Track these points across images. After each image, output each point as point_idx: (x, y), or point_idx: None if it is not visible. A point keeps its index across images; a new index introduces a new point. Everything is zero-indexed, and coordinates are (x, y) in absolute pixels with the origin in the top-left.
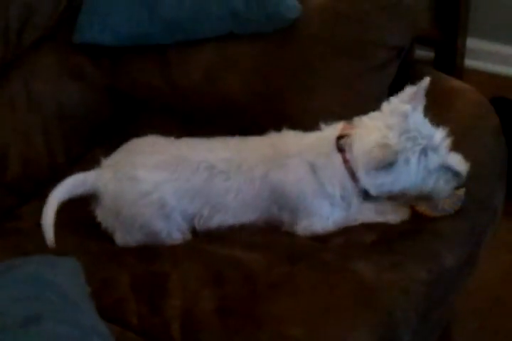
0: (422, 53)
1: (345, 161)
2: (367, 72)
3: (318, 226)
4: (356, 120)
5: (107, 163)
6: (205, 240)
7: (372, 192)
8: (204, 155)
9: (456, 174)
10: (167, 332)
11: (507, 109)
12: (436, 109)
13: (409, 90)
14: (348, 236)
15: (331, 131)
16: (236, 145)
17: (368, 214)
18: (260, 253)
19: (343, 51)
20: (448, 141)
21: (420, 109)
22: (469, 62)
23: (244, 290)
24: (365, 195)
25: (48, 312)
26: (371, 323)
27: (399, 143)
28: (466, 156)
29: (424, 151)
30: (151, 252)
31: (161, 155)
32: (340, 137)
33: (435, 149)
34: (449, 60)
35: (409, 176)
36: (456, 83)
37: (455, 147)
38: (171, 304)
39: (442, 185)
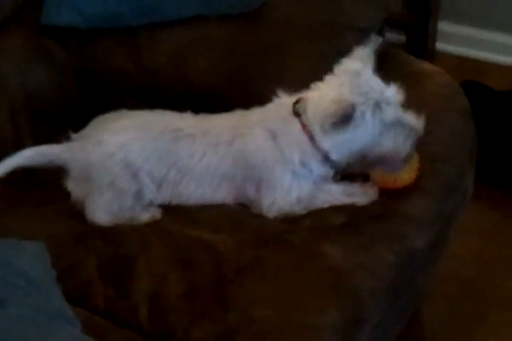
0: (394, 37)
1: (303, 125)
2: (335, 54)
3: (282, 201)
4: (312, 86)
5: (75, 136)
6: (174, 220)
7: (334, 155)
8: (172, 121)
9: (412, 130)
10: (134, 316)
11: (477, 92)
12: (406, 91)
13: (359, 51)
14: (317, 218)
15: (289, 99)
16: (204, 116)
17: (336, 195)
18: (229, 235)
19: (312, 33)
20: (400, 96)
21: (371, 67)
22: (440, 46)
23: (212, 273)
24: (325, 161)
25: (12, 296)
26: (339, 306)
27: (352, 97)
28: (436, 138)
29: (377, 104)
30: (119, 235)
31: (128, 120)
32: (296, 102)
33: (388, 103)
34: (420, 43)
35: (366, 131)
36: (426, 66)
37: (424, 129)
38: (139, 287)
39: (401, 142)
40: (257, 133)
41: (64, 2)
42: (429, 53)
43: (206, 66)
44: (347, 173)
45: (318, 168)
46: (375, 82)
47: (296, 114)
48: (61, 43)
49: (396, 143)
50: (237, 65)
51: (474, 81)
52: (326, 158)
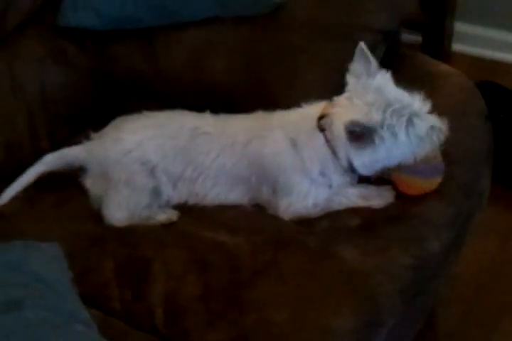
0: (410, 37)
1: (327, 141)
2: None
3: (298, 205)
4: (336, 99)
5: (95, 136)
6: (190, 221)
7: (365, 172)
8: (190, 119)
9: (440, 132)
10: (150, 318)
11: (494, 93)
12: (422, 93)
13: (354, 65)
14: (333, 221)
15: (313, 110)
16: (223, 116)
17: (353, 198)
18: (245, 237)
19: (329, 34)
20: (428, 105)
21: (377, 70)
22: (457, 46)
23: (228, 276)
24: (347, 173)
25: (28, 299)
26: (355, 308)
27: (384, 119)
28: (453, 141)
29: (410, 121)
30: (135, 236)
31: (146, 119)
32: (321, 117)
33: (419, 115)
34: (436, 44)
35: (401, 149)
36: (442, 67)
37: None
38: (155, 289)
39: (434, 148)
40: (277, 138)
41: (81, 4)
42: (445, 54)
43: (222, 68)
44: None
45: (339, 179)
46: (403, 97)
47: (321, 128)
48: (78, 45)
49: (430, 150)
50: (253, 67)
51: (491, 81)
52: (348, 171)
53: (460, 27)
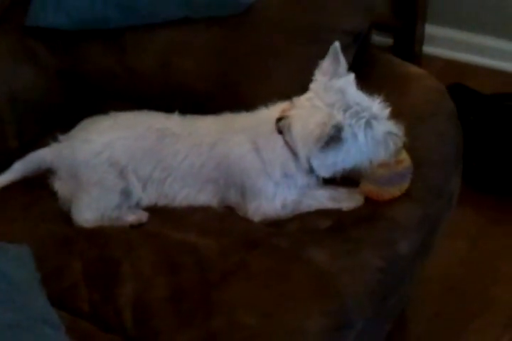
0: (381, 40)
1: (286, 142)
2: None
3: (267, 208)
4: (295, 100)
5: (62, 138)
6: (160, 222)
7: (324, 173)
8: (158, 120)
9: (398, 138)
10: (119, 320)
11: (464, 95)
12: (392, 95)
13: (325, 63)
14: (303, 222)
15: (273, 112)
16: (192, 117)
17: (322, 200)
18: (215, 238)
19: (299, 36)
20: (387, 110)
21: (345, 71)
22: (427, 49)
23: (197, 278)
24: (310, 173)
25: None
26: (325, 310)
27: (344, 119)
28: (422, 142)
29: (368, 123)
30: (104, 237)
31: (114, 120)
32: (279, 119)
33: (377, 119)
34: (407, 46)
35: (359, 150)
36: (412, 69)
37: (410, 133)
38: (124, 291)
39: (390, 153)
40: (240, 142)
41: (49, 4)
42: (415, 56)
43: (193, 68)
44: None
45: (303, 179)
46: (362, 100)
47: (279, 131)
48: (47, 45)
49: (387, 155)
50: (223, 68)
51: (461, 84)
52: (311, 171)
53: (431, 29)
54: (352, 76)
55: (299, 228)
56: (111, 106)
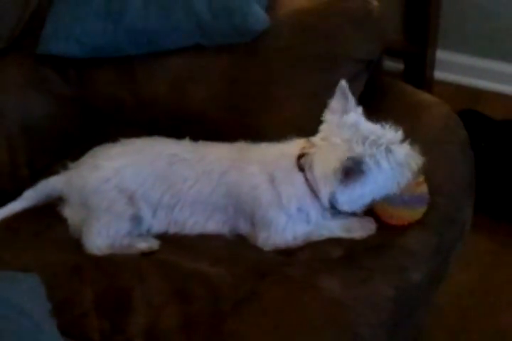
0: (392, 65)
1: (307, 180)
2: (335, 85)
3: (277, 239)
4: (312, 139)
5: (72, 165)
6: (171, 251)
7: (349, 208)
8: (168, 146)
9: (417, 159)
10: None
11: (475, 121)
12: (404, 123)
13: (333, 102)
14: (315, 251)
15: (292, 148)
16: (203, 143)
17: (335, 231)
18: (226, 267)
19: (311, 64)
20: (400, 133)
21: (353, 107)
22: (439, 74)
23: (209, 307)
24: (332, 209)
25: (5, 332)
26: (336, 340)
27: (365, 150)
28: (434, 171)
29: (388, 149)
30: (115, 265)
31: (124, 146)
32: (300, 156)
33: (394, 143)
34: (418, 71)
35: (386, 177)
36: (424, 96)
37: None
38: (135, 321)
39: (412, 174)
40: (255, 171)
41: (61, 32)
42: (427, 81)
43: (204, 96)
44: None
45: (318, 215)
46: (376, 129)
47: (301, 168)
48: (59, 72)
49: (411, 177)
50: (234, 95)
51: (472, 110)
52: (332, 208)
53: (442, 55)
54: (360, 109)
55: (311, 256)
56: (122, 133)
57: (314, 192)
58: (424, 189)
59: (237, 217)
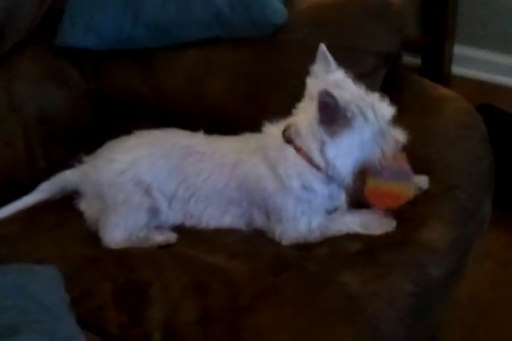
0: (409, 60)
1: (298, 149)
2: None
3: (292, 232)
4: (294, 110)
5: (87, 159)
6: (189, 244)
7: (338, 164)
8: (182, 138)
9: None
10: None
11: (493, 116)
12: (423, 118)
13: (315, 67)
14: (333, 245)
15: (278, 127)
16: (216, 137)
17: (353, 227)
18: (244, 261)
19: None
20: (392, 108)
21: (335, 70)
22: (456, 69)
23: (227, 301)
24: (328, 179)
25: (25, 323)
26: (356, 335)
27: (351, 100)
28: (454, 165)
29: (373, 105)
30: (133, 258)
31: (138, 139)
32: (285, 130)
33: (379, 101)
34: (436, 66)
35: (372, 132)
36: (443, 91)
37: (442, 156)
38: (152, 314)
39: (396, 144)
40: (256, 162)
41: (79, 24)
42: (444, 77)
43: (221, 88)
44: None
45: (323, 189)
46: (361, 91)
47: (288, 140)
48: (76, 65)
49: (393, 145)
50: (250, 89)
51: (490, 105)
52: (328, 176)
53: (460, 50)
54: (342, 71)
55: (329, 251)
56: (138, 126)
57: (309, 160)
58: (406, 165)
59: (252, 210)
